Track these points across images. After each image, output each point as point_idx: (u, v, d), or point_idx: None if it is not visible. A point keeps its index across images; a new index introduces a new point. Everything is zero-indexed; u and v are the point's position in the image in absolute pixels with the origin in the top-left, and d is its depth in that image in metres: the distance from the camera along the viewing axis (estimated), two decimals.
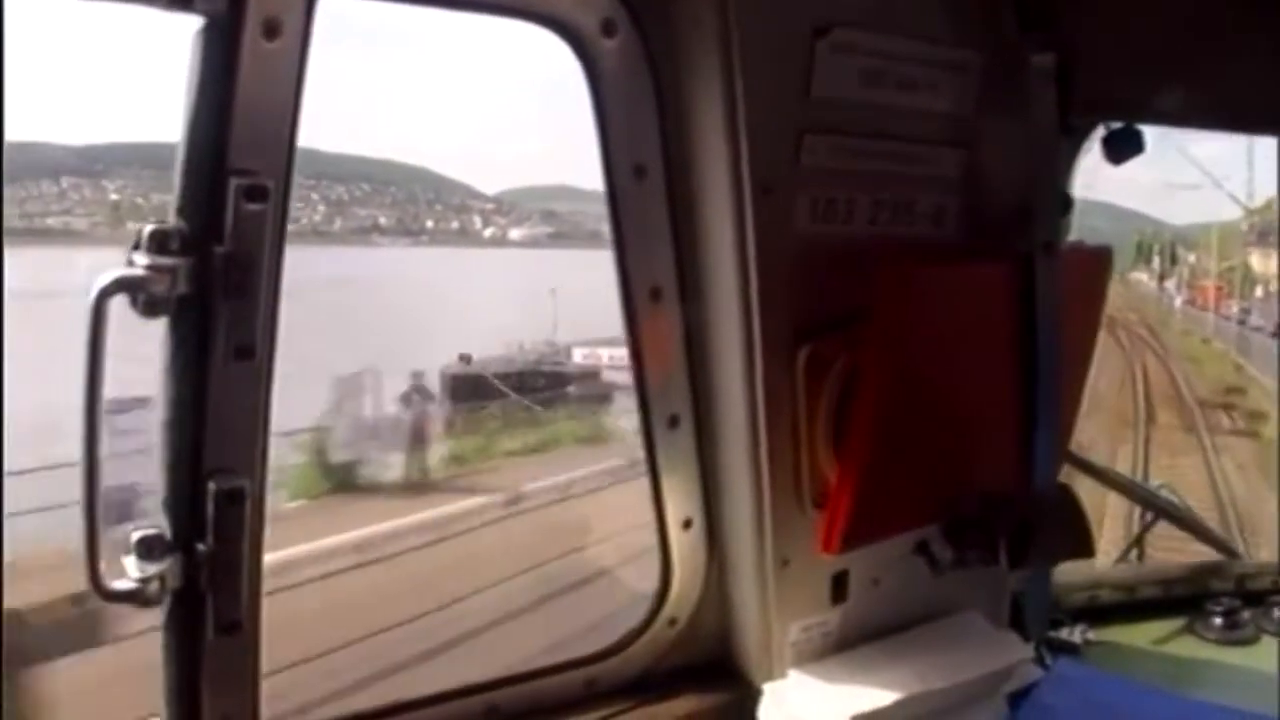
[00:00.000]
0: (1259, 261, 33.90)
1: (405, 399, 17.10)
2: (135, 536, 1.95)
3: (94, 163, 12.07)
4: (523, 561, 12.43)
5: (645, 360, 2.49)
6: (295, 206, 2.07)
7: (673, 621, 2.65)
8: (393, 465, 15.85)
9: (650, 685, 2.64)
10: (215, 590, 1.98)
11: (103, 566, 1.91)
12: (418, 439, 16.38)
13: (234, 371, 1.95)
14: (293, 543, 11.11)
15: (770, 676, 2.60)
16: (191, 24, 1.88)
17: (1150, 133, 2.78)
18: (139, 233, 1.88)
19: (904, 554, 2.63)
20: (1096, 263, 2.85)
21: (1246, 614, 3.27)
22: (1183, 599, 3.38)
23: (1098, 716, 2.80)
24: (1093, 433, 19.29)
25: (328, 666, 9.21)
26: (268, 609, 2.09)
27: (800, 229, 2.40)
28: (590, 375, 19.97)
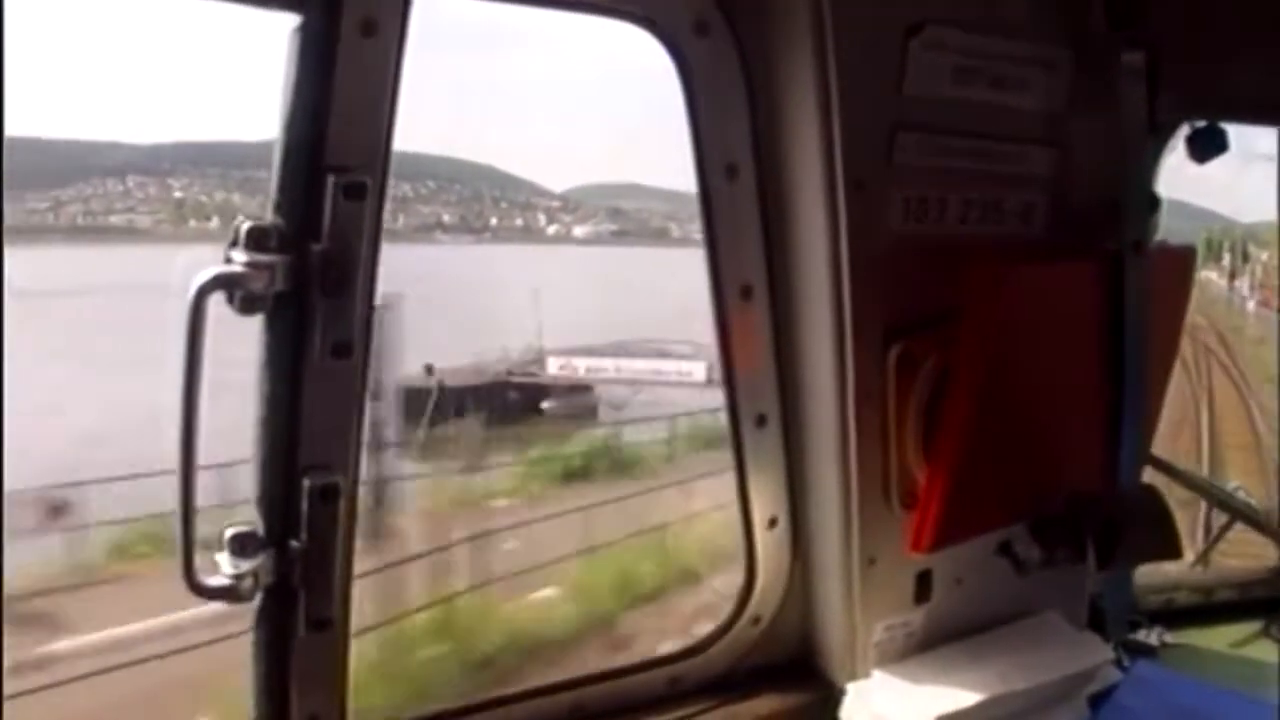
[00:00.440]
0: None
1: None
2: (229, 533, 1.92)
3: (160, 161, 12.18)
4: None
5: (734, 359, 2.45)
6: None
7: (756, 620, 2.61)
8: None
9: (732, 684, 2.61)
10: (308, 587, 1.96)
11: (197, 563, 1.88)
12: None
13: (330, 368, 1.91)
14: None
15: (853, 676, 2.56)
16: (288, 22, 1.85)
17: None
18: (236, 230, 1.84)
19: (986, 554, 2.59)
20: (1181, 262, 2.80)
21: None
22: (1259, 602, 3.33)
23: None
24: None
25: None
26: None
27: (892, 227, 2.36)
28: (577, 390, 17.22)
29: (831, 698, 2.57)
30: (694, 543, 11.25)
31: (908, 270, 2.37)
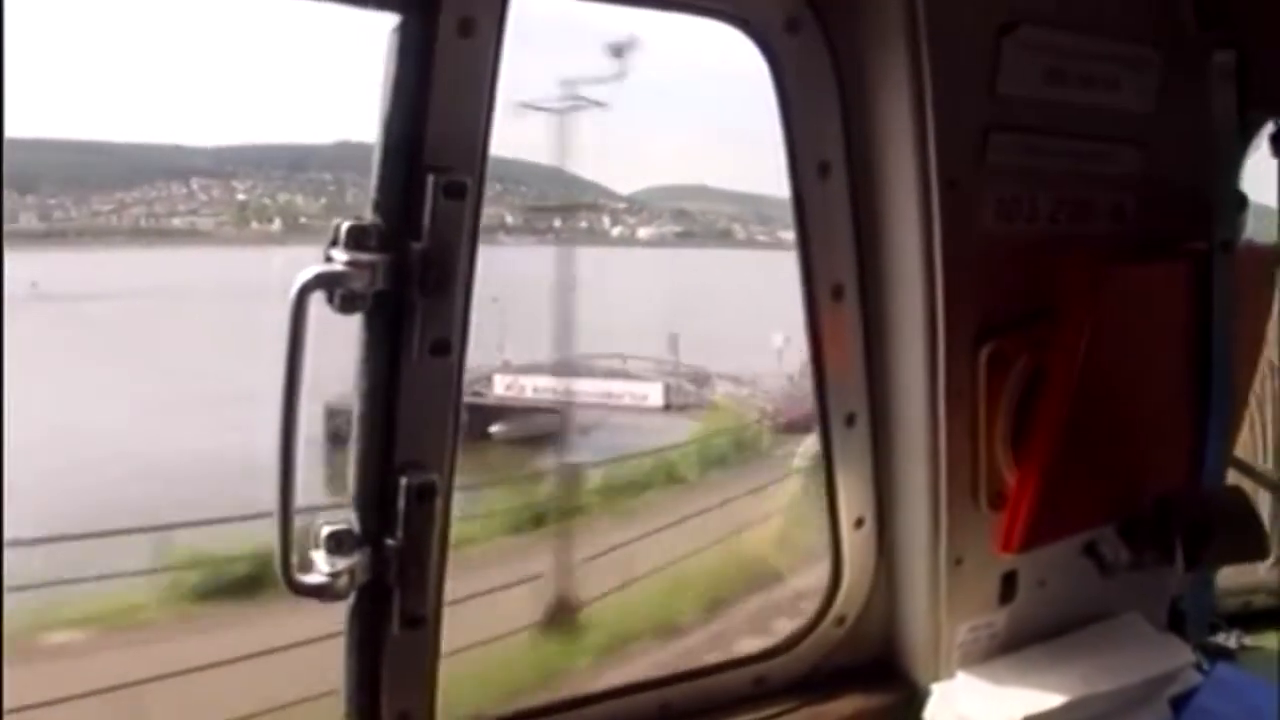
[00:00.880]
0: None
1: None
2: (325, 531, 1.89)
3: (225, 164, 12.27)
4: None
5: (825, 359, 2.42)
6: None
7: (840, 620, 2.58)
8: None
9: (816, 684, 2.57)
10: (403, 585, 1.93)
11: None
12: None
13: (429, 366, 1.89)
14: None
15: (936, 677, 2.52)
16: (387, 22, 1.83)
17: None
18: (336, 229, 1.82)
19: (1070, 555, 2.54)
20: (1267, 261, 2.74)
21: None
22: None
23: None
24: None
25: None
26: None
27: (984, 226, 2.32)
28: (536, 412, 14.90)
29: (915, 698, 2.53)
30: None
31: (999, 269, 2.33)
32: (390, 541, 1.91)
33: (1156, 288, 2.47)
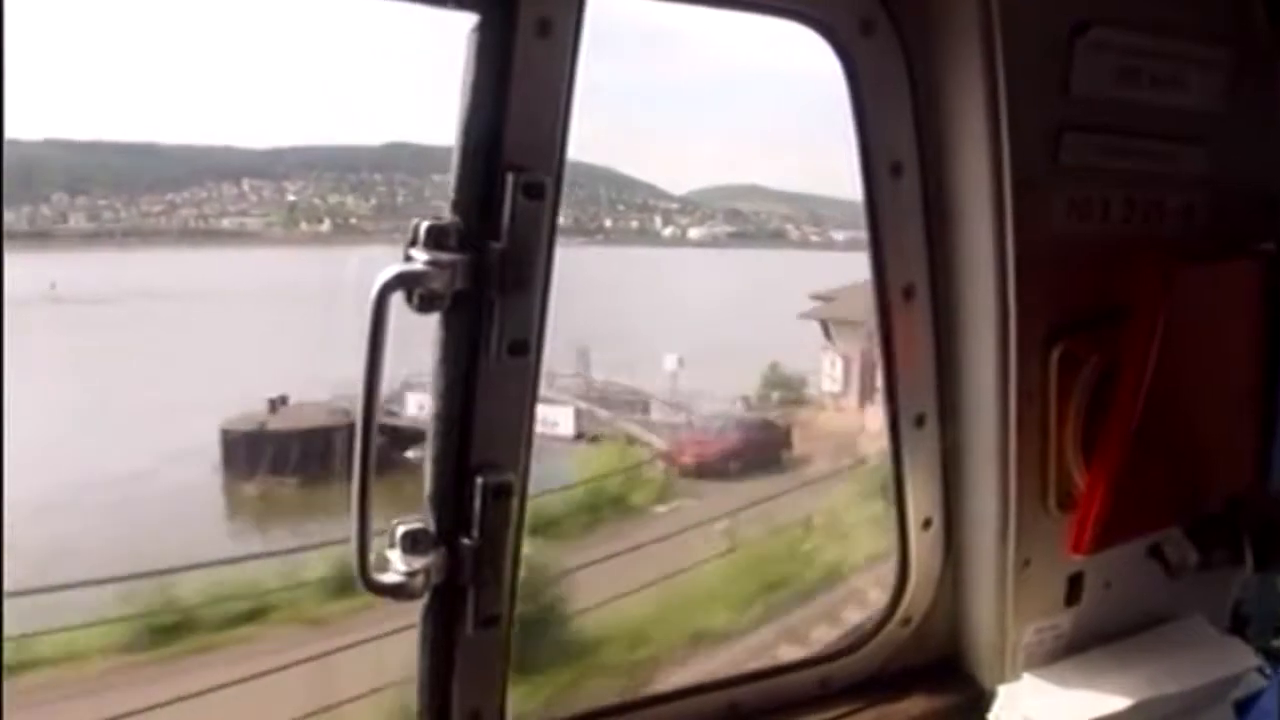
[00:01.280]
0: None
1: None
2: (400, 530, 1.88)
3: (276, 165, 12.25)
4: None
5: (896, 359, 2.38)
6: None
7: (906, 621, 2.54)
8: None
9: (882, 684, 2.54)
10: (478, 585, 1.91)
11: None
12: None
13: (506, 366, 1.87)
14: None
15: (1002, 678, 2.49)
16: (466, 22, 1.80)
17: None
18: (415, 228, 1.80)
19: (1136, 558, 2.50)
20: None
21: None
22: None
23: None
24: None
25: None
26: None
27: (1056, 227, 2.28)
28: None
29: (981, 700, 2.49)
30: None
31: (1070, 270, 2.29)
32: (466, 541, 1.89)
33: (1227, 288, 2.42)
